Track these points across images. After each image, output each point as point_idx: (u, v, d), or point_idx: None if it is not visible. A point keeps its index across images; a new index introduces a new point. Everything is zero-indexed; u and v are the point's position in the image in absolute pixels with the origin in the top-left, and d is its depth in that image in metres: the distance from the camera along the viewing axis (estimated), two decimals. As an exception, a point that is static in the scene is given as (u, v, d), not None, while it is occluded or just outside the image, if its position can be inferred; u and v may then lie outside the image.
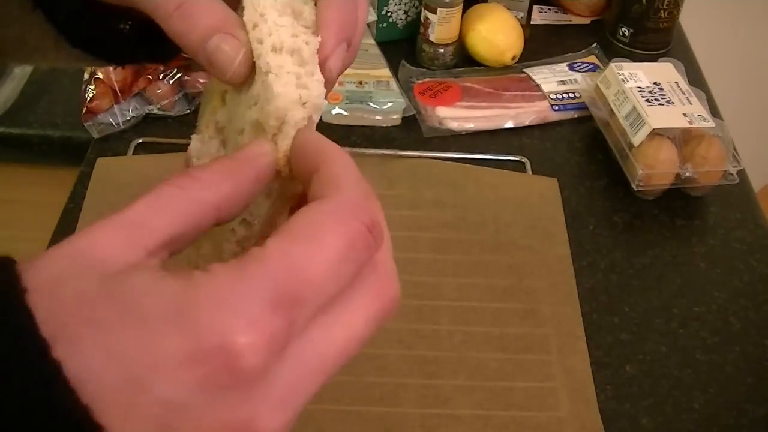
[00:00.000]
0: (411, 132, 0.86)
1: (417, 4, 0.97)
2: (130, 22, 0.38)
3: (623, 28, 1.00)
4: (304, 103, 0.31)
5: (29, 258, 0.25)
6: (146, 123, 0.84)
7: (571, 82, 0.93)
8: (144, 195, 0.28)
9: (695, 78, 0.94)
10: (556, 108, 0.90)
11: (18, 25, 0.34)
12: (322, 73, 0.32)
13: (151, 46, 0.39)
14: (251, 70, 0.33)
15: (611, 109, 0.83)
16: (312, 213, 0.26)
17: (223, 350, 0.23)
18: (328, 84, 0.32)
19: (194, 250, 0.34)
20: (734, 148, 0.79)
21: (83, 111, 0.82)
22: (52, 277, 0.24)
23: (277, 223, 0.33)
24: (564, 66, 0.96)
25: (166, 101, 0.84)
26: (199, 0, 0.33)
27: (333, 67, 0.33)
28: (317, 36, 0.33)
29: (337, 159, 0.29)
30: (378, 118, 0.87)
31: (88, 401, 0.23)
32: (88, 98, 0.82)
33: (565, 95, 0.92)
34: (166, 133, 0.83)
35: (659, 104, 0.80)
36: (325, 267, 0.25)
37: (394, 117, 0.87)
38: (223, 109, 0.36)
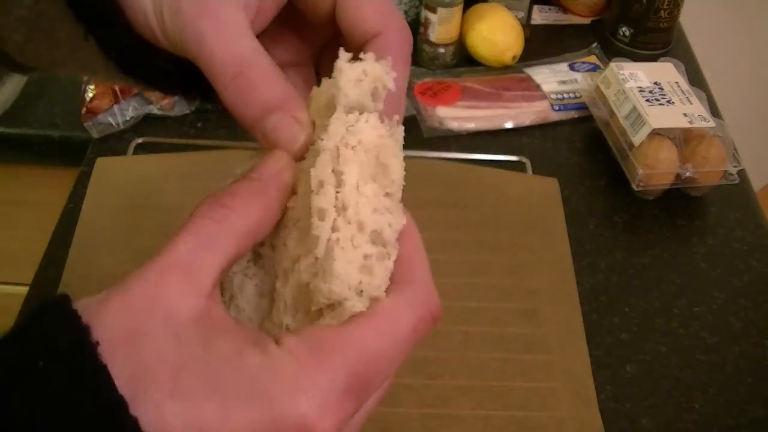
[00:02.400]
0: (411, 132, 0.85)
1: (417, 3, 0.97)
2: (184, 71, 0.36)
3: (623, 28, 1.00)
4: (362, 291, 0.28)
5: (88, 303, 0.25)
6: (146, 123, 0.84)
7: (572, 82, 0.93)
8: (183, 232, 0.28)
9: (695, 78, 0.94)
10: (557, 108, 0.90)
11: (69, 47, 0.33)
12: None
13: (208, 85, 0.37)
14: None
15: (611, 109, 0.83)
16: (391, 306, 0.28)
17: None
18: None
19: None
20: (734, 148, 0.79)
21: (83, 111, 0.82)
22: (125, 333, 0.25)
23: None
24: (564, 66, 0.96)
25: (166, 101, 0.84)
26: (258, 69, 0.31)
27: None
28: (401, 202, 0.30)
29: (410, 239, 0.30)
30: (378, 118, 0.87)
31: None
32: (88, 98, 0.82)
33: (565, 95, 0.92)
34: (166, 133, 0.83)
35: (659, 104, 0.80)
36: (394, 353, 0.28)
37: (394, 117, 0.87)
38: None
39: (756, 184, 0.88)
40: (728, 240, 0.78)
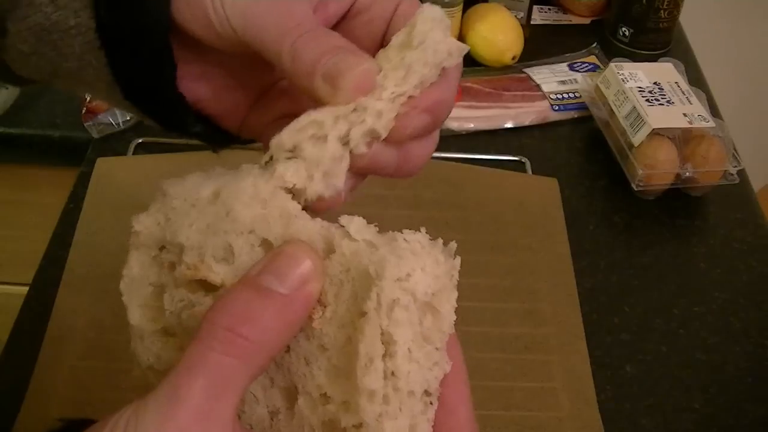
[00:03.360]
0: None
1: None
2: (199, 118, 0.36)
3: (623, 28, 1.00)
4: None
5: None
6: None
7: (571, 82, 0.93)
8: (197, 369, 0.25)
9: (695, 78, 0.94)
10: (556, 108, 0.90)
11: (76, 61, 0.32)
12: None
13: (208, 126, 0.36)
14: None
15: (611, 109, 0.83)
16: None
17: None
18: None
19: None
20: (734, 148, 0.79)
21: (83, 111, 0.82)
22: None
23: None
24: (564, 66, 0.96)
25: (166, 101, 0.84)
26: (321, 29, 0.30)
27: None
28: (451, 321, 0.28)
29: (455, 383, 0.30)
30: (378, 118, 0.87)
31: None
32: (88, 98, 0.82)
33: (565, 95, 0.92)
34: (166, 133, 0.83)
35: (659, 104, 0.80)
36: None
37: (394, 117, 0.87)
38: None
39: (756, 184, 0.88)
40: (728, 240, 0.78)
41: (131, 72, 0.32)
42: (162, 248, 0.30)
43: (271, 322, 0.25)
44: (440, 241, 0.29)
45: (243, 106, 0.36)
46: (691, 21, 1.08)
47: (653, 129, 0.77)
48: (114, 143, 0.82)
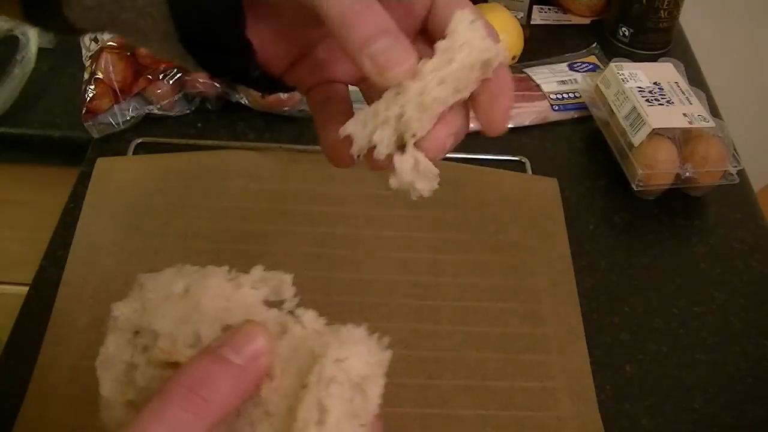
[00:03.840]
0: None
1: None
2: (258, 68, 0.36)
3: (623, 28, 1.00)
4: None
5: None
6: (146, 123, 0.84)
7: (571, 82, 0.93)
8: (155, 419, 0.28)
9: (695, 78, 0.94)
10: (556, 108, 0.90)
11: (135, 12, 0.33)
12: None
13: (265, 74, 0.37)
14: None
15: (611, 109, 0.83)
16: None
17: None
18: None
19: None
20: (734, 148, 0.79)
21: (83, 111, 0.82)
22: None
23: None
24: (564, 66, 0.96)
25: (166, 101, 0.84)
26: (374, 5, 0.31)
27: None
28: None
29: None
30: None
31: None
32: (88, 98, 0.82)
33: (565, 95, 0.92)
34: (166, 133, 0.83)
35: (659, 104, 0.80)
36: None
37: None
38: None
39: (756, 184, 0.88)
40: (728, 240, 0.78)
41: (197, 21, 0.33)
42: (137, 333, 0.34)
43: (225, 388, 0.30)
44: (376, 335, 0.33)
45: (285, 59, 0.38)
46: (691, 21, 1.08)
47: (653, 129, 0.77)
48: (114, 143, 0.82)
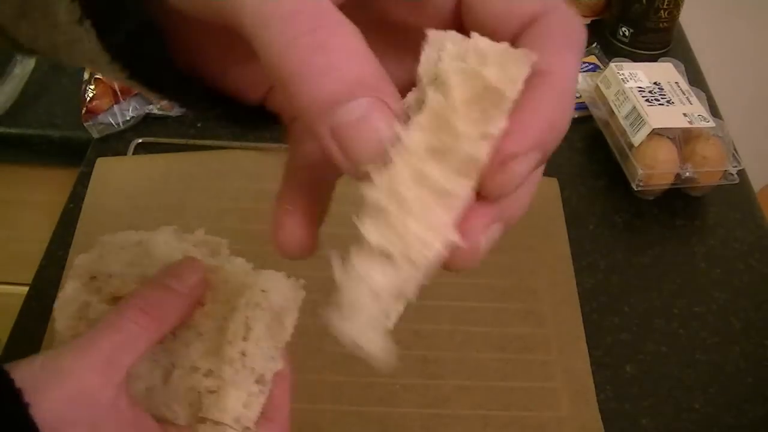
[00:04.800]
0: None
1: (417, 4, 0.96)
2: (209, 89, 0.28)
3: (623, 28, 1.00)
4: (239, 420, 0.36)
5: (28, 380, 0.32)
6: (146, 123, 0.84)
7: (571, 82, 0.93)
8: (109, 329, 0.34)
9: (695, 78, 0.94)
10: (556, 108, 0.90)
11: (67, 33, 0.26)
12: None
13: (224, 102, 0.28)
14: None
15: (611, 109, 0.83)
16: None
17: None
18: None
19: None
20: (734, 148, 0.79)
21: (83, 111, 0.82)
22: (57, 422, 0.31)
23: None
24: (564, 66, 0.96)
25: (166, 101, 0.84)
26: (340, 31, 0.20)
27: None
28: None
29: (282, 382, 0.39)
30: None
31: None
32: (88, 98, 0.82)
33: (565, 95, 0.92)
34: (166, 133, 0.83)
35: (659, 104, 0.80)
36: None
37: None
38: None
39: (756, 184, 0.88)
40: (728, 240, 0.78)
41: (121, 46, 0.26)
42: (93, 278, 0.39)
43: (169, 309, 0.36)
44: (293, 278, 0.39)
45: (262, 81, 0.29)
46: (691, 21, 1.08)
47: (653, 129, 0.77)
48: (114, 143, 0.82)
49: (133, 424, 0.34)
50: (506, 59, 0.21)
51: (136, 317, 0.35)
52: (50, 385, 0.32)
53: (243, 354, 0.36)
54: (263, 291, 0.38)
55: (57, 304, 0.39)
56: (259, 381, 0.38)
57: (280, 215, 0.26)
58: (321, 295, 0.74)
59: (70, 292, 0.39)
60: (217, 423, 0.36)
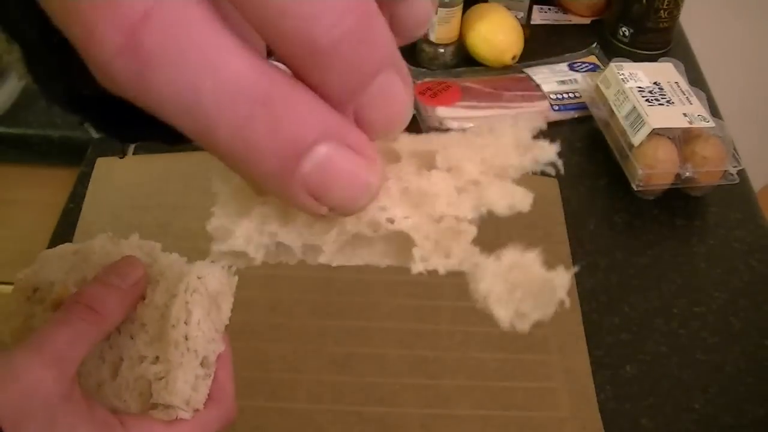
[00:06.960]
0: (411, 132, 0.86)
1: (417, 4, 0.96)
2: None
3: (623, 28, 1.00)
4: (189, 402, 0.39)
5: None
6: (146, 123, 0.84)
7: (571, 82, 0.93)
8: (61, 325, 0.36)
9: (695, 78, 0.94)
10: (556, 108, 0.90)
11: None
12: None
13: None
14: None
15: (611, 109, 0.83)
16: (205, 416, 0.40)
17: None
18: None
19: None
20: (734, 148, 0.79)
21: (83, 111, 0.82)
22: (16, 415, 0.33)
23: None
24: (564, 66, 0.96)
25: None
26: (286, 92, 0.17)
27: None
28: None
29: (224, 363, 0.42)
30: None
31: None
32: (88, 98, 0.82)
33: (565, 95, 0.92)
34: (166, 133, 0.83)
35: (659, 104, 0.80)
36: None
37: (394, 117, 0.87)
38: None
39: (756, 184, 0.88)
40: (728, 240, 0.78)
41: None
42: (36, 290, 0.41)
43: (115, 305, 0.38)
44: (227, 265, 0.41)
45: None
46: (691, 21, 1.08)
47: (653, 129, 0.77)
48: (114, 143, 0.82)
49: (89, 414, 0.35)
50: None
51: (84, 314, 0.37)
52: (5, 381, 0.33)
53: (186, 338, 0.39)
54: (199, 278, 0.40)
55: (0, 319, 0.41)
56: (204, 364, 0.40)
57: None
58: (321, 295, 0.75)
59: (13, 307, 0.41)
60: (167, 406, 0.38)
